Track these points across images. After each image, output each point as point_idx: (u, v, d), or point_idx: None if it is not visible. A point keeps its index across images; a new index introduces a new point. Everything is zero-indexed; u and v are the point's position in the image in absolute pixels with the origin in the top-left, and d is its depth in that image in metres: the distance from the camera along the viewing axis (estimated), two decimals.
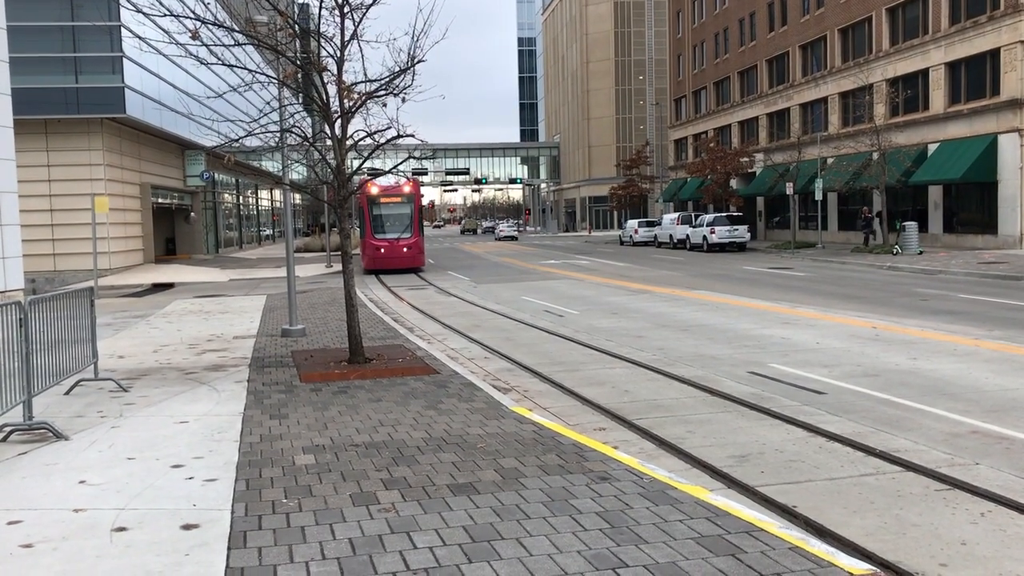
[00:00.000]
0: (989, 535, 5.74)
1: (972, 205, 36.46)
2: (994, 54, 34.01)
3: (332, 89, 12.41)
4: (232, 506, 6.18)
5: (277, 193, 68.80)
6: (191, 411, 9.49)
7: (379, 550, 5.25)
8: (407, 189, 34.91)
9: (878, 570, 4.97)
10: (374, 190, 34.27)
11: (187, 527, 5.77)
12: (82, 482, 6.88)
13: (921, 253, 32.87)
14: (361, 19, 12.12)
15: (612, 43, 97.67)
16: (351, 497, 6.29)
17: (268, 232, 76.86)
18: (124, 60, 35.11)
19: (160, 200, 44.63)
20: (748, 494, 6.66)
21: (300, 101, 13.52)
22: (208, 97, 16.70)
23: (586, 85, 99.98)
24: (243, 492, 6.50)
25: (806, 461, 7.50)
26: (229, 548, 5.37)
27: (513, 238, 79.17)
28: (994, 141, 33.74)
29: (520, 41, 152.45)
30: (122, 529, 5.76)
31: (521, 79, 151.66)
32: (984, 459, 7.39)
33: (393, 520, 5.78)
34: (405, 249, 34.24)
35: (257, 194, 72.92)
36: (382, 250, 34.14)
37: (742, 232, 43.76)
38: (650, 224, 56.87)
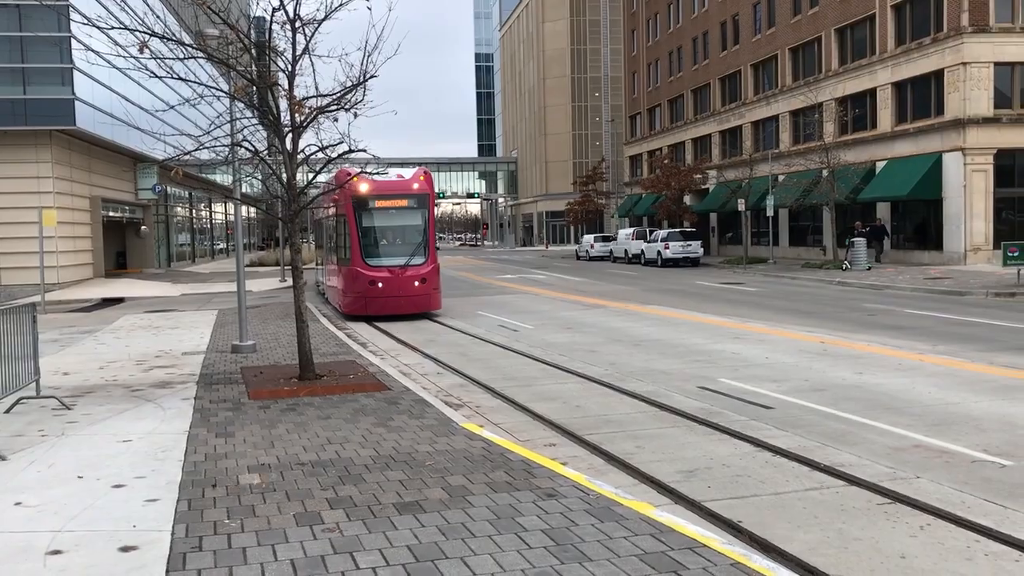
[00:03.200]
0: (927, 548, 5.84)
1: (919, 222, 37.26)
2: (938, 75, 34.87)
3: (283, 103, 12.34)
4: (173, 527, 6.07)
5: (231, 206, 68.13)
6: (135, 429, 9.31)
7: (321, 571, 5.19)
8: (416, 186, 22.59)
9: None
10: (364, 187, 21.68)
11: (125, 549, 5.65)
12: (18, 504, 6.71)
13: (870, 268, 33.48)
14: (313, 34, 12.07)
15: (569, 60, 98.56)
16: (295, 517, 6.22)
17: (222, 246, 75.97)
18: (74, 72, 34.49)
19: (111, 213, 43.83)
20: (695, 509, 6.70)
21: (255, 115, 13.41)
22: (158, 111, 16.46)
23: (543, 101, 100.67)
24: (184, 512, 6.39)
25: (752, 476, 7.57)
26: (168, 570, 5.28)
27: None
28: (939, 159, 34.54)
29: (478, 57, 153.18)
30: (57, 552, 5.62)
31: (479, 95, 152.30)
32: (925, 473, 7.52)
33: (337, 540, 5.72)
34: (417, 283, 21.90)
35: (211, 207, 72.02)
36: (380, 284, 21.65)
37: (695, 248, 44.25)
38: (606, 239, 57.31)
